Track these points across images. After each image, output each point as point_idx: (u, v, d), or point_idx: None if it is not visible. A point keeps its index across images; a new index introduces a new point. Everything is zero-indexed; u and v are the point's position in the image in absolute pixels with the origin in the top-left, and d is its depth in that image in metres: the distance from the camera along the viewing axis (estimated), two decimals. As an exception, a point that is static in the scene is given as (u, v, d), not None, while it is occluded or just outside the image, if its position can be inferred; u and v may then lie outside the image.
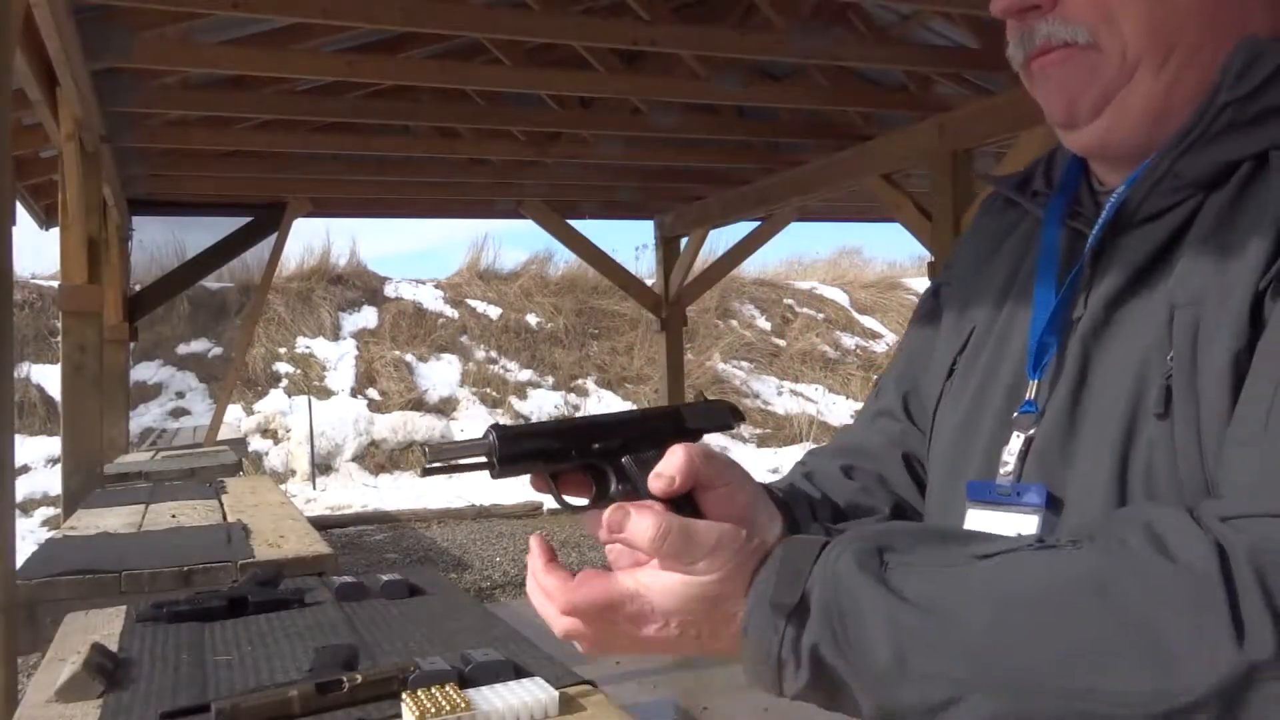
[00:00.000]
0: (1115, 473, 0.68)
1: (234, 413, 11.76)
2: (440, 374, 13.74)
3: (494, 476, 0.76)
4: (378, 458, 12.34)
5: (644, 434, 0.78)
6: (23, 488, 9.76)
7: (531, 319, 15.03)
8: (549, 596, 0.74)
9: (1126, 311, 0.72)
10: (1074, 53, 0.75)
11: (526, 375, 14.16)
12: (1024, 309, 0.81)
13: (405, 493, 11.36)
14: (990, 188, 0.95)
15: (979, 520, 0.77)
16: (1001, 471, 0.77)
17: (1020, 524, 0.74)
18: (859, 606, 0.61)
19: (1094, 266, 0.75)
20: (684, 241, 8.71)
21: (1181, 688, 0.52)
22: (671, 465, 0.71)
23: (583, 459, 0.77)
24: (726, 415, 0.83)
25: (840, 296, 16.94)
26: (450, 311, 14.91)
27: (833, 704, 0.65)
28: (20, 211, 6.78)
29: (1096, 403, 0.71)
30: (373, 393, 13.19)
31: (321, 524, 7.01)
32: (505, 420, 13.06)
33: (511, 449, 0.75)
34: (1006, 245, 0.88)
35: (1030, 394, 0.76)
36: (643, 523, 0.68)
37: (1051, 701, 0.56)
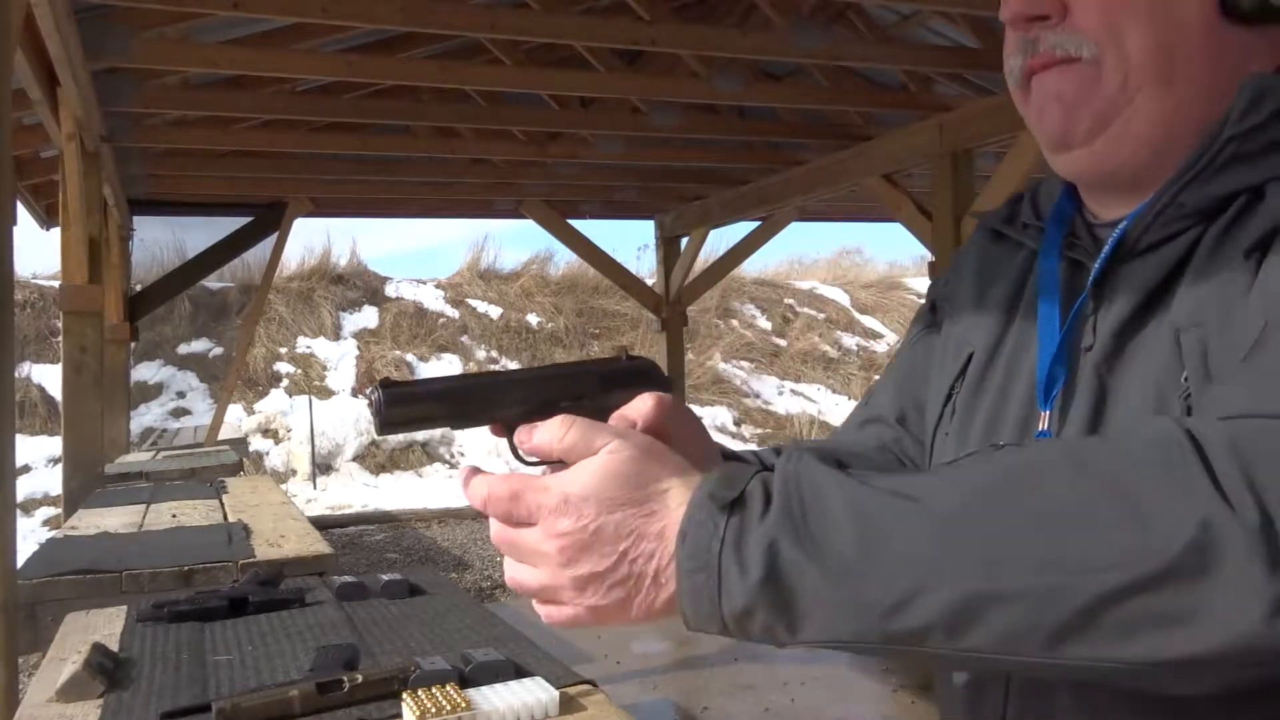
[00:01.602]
0: None
1: (235, 412, 11.76)
2: (441, 373, 13.74)
3: (379, 434, 0.72)
4: (378, 458, 12.34)
5: (553, 396, 0.72)
6: (23, 487, 9.77)
7: (532, 319, 15.03)
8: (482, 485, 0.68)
9: (1137, 340, 0.72)
10: (1072, 71, 0.75)
11: (527, 375, 14.16)
12: (1027, 340, 0.81)
13: (406, 493, 11.36)
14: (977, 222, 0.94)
15: None
16: None
17: None
18: (821, 493, 0.58)
19: (1097, 297, 0.75)
20: (684, 241, 8.71)
21: (1156, 546, 0.51)
22: (635, 411, 0.69)
23: (486, 420, 0.73)
24: (647, 378, 0.75)
25: (841, 296, 16.94)
26: (451, 311, 14.91)
27: (774, 623, 0.58)
28: (21, 211, 6.78)
29: (1117, 429, 0.71)
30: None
31: (322, 524, 7.01)
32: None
33: (397, 412, 0.71)
34: (1001, 274, 0.87)
35: (1043, 424, 0.76)
36: (549, 425, 0.65)
37: (1022, 575, 0.53)
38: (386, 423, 0.71)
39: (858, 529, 0.56)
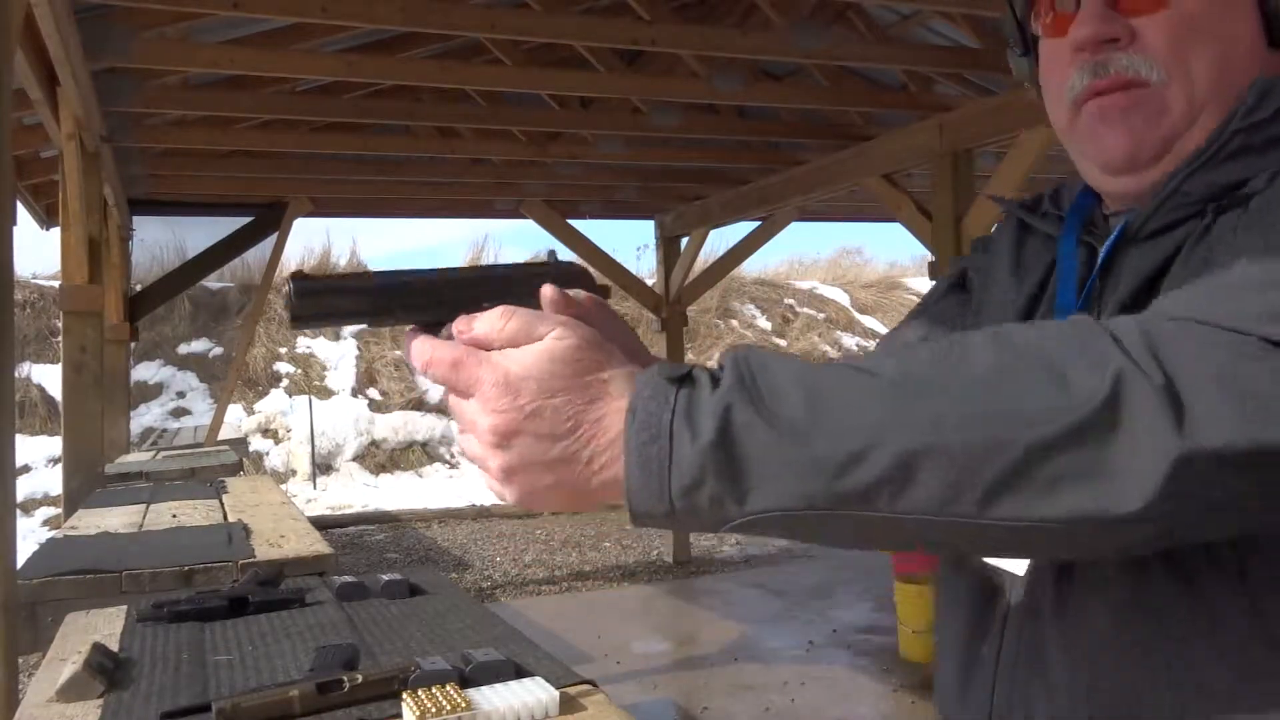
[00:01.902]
0: None
1: (235, 412, 11.77)
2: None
3: (292, 328, 0.71)
4: (378, 458, 12.35)
5: (477, 297, 0.69)
6: (24, 487, 9.77)
7: (532, 319, 15.03)
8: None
9: None
10: (1142, 95, 0.77)
11: (527, 375, 14.16)
12: (1048, 315, 0.84)
13: (406, 493, 11.37)
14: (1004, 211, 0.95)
15: None
16: None
17: None
18: (769, 368, 0.59)
19: (1104, 280, 0.78)
20: (684, 241, 8.71)
21: (1077, 402, 0.55)
22: (549, 299, 0.67)
23: (405, 319, 0.70)
24: (577, 283, 0.71)
25: (841, 296, 16.95)
26: (451, 311, 14.91)
27: (722, 492, 0.58)
28: (21, 211, 6.78)
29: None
30: (373, 393, 13.20)
31: (322, 524, 7.01)
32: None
33: (310, 306, 0.69)
34: (1032, 265, 0.89)
35: None
36: (489, 314, 0.65)
37: (962, 430, 0.56)
38: (297, 316, 0.69)
39: (807, 395, 0.58)
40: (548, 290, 0.67)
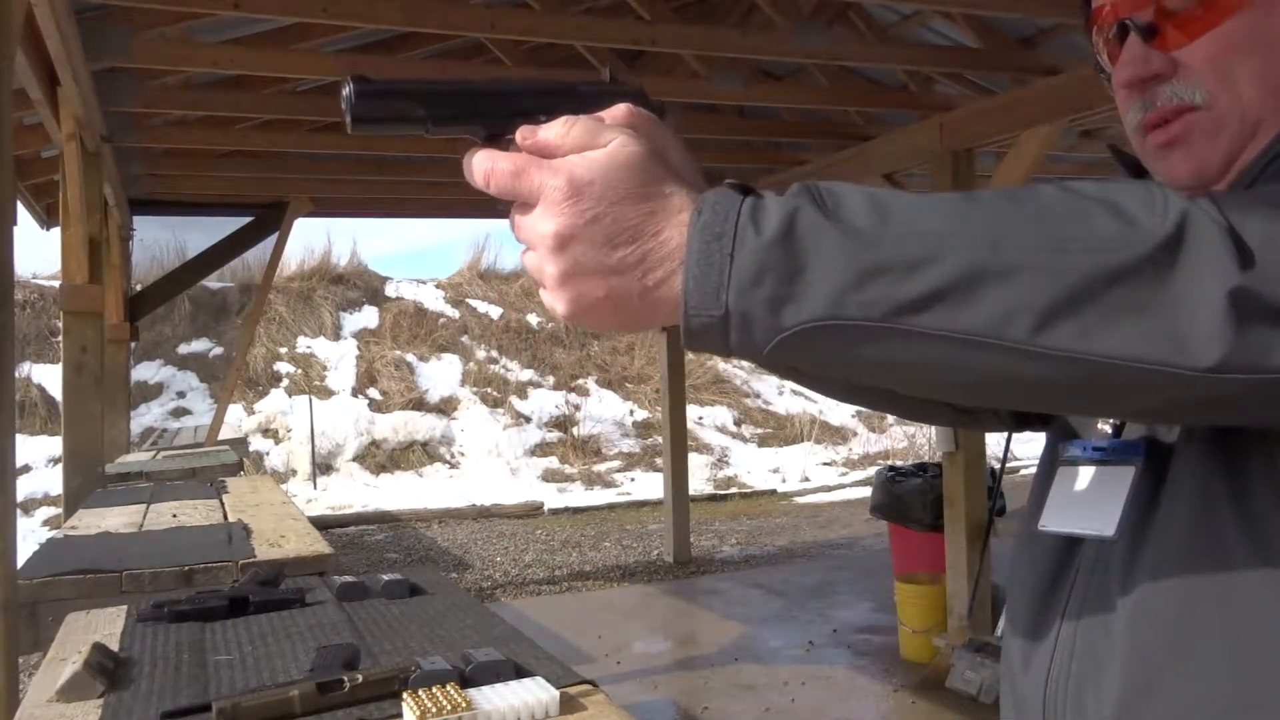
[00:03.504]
0: None
1: (235, 412, 11.76)
2: (441, 374, 13.75)
3: (351, 130, 0.68)
4: (378, 457, 12.35)
5: (533, 109, 0.67)
6: (24, 487, 9.77)
7: (532, 319, 15.03)
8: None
9: None
10: (1194, 119, 0.79)
11: (527, 375, 14.17)
12: None
13: (406, 493, 11.37)
14: None
15: (1073, 476, 0.80)
16: (1099, 428, 0.82)
17: (1114, 478, 0.76)
18: (837, 186, 0.60)
19: None
20: (685, 241, 8.72)
21: (1142, 236, 0.56)
22: (611, 114, 0.66)
23: (461, 126, 0.69)
24: (633, 99, 0.70)
25: (841, 296, 16.94)
26: (451, 311, 14.91)
27: (780, 290, 0.57)
28: (21, 211, 6.78)
29: None
30: (374, 392, 13.20)
31: (322, 524, 7.02)
32: (505, 416, 13.08)
33: (370, 108, 0.67)
34: None
35: None
36: (554, 122, 0.64)
37: (1025, 251, 0.56)
38: (357, 118, 0.67)
39: (874, 206, 0.58)
40: (619, 108, 0.66)
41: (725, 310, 0.58)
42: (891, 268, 0.56)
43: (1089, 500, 0.77)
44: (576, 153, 0.62)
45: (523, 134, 0.65)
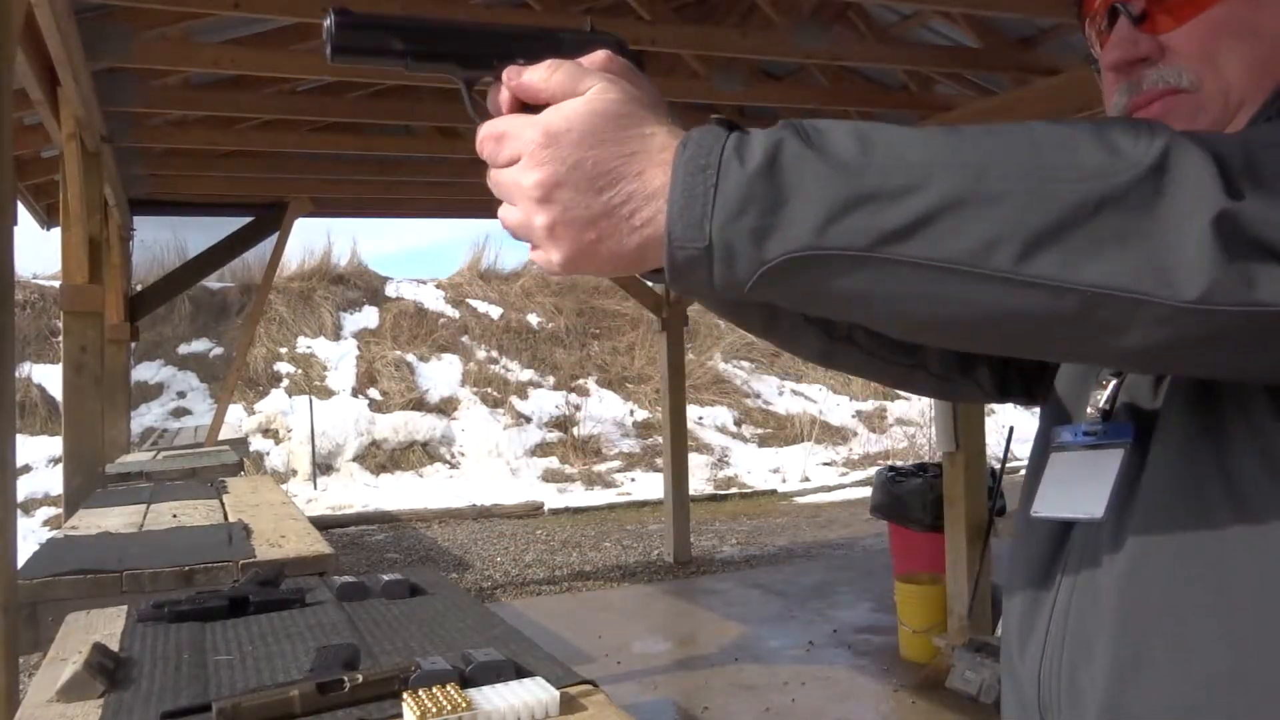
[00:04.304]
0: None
1: (235, 413, 11.76)
2: (441, 374, 13.75)
3: (331, 60, 0.68)
4: (379, 458, 12.35)
5: (512, 52, 0.69)
6: (24, 487, 9.77)
7: (532, 319, 15.04)
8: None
9: None
10: (1175, 101, 0.79)
11: (528, 375, 14.17)
12: None
13: (406, 493, 11.37)
14: None
15: (1064, 462, 0.81)
16: (1089, 413, 0.81)
17: (1104, 461, 0.76)
18: (821, 122, 0.60)
19: None
20: (685, 241, 8.71)
21: (1128, 163, 0.56)
22: (590, 60, 0.67)
23: (439, 64, 0.70)
24: (613, 48, 0.71)
25: (841, 296, 16.93)
26: (451, 311, 14.91)
27: (763, 221, 0.57)
28: (21, 211, 6.78)
29: None
30: (374, 393, 13.20)
31: (322, 524, 7.02)
32: (505, 416, 13.08)
33: (351, 38, 0.68)
34: None
35: None
36: (538, 66, 0.65)
37: (1009, 179, 0.56)
38: (337, 48, 0.68)
39: (859, 139, 0.58)
40: (597, 54, 0.67)
41: (709, 241, 0.58)
42: (875, 196, 0.56)
43: (1080, 483, 0.78)
44: (559, 96, 0.63)
45: (509, 74, 0.67)
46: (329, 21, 0.67)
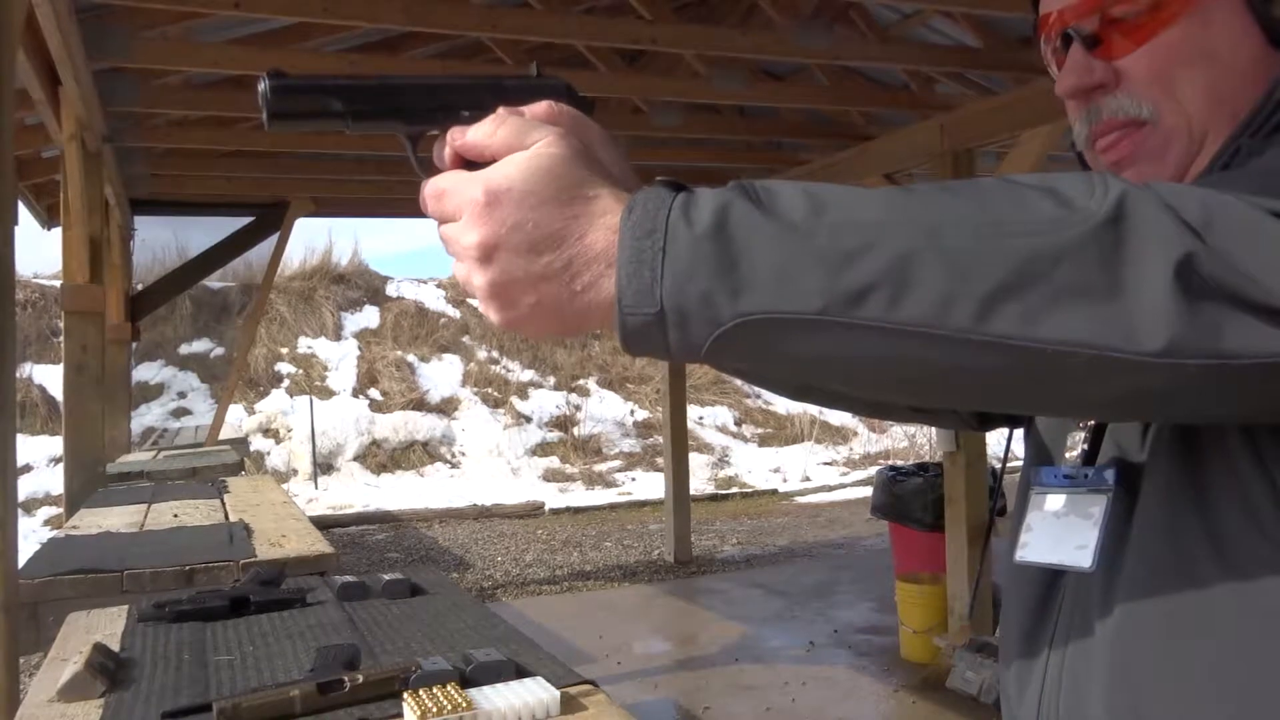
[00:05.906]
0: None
1: (236, 412, 11.77)
2: (442, 374, 13.75)
3: (269, 128, 0.68)
4: (379, 457, 12.35)
5: (456, 103, 0.68)
6: (25, 487, 9.77)
7: (533, 319, 15.02)
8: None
9: None
10: (1140, 137, 0.78)
11: (528, 375, 14.17)
12: None
13: (407, 492, 11.37)
14: None
15: (1047, 505, 0.79)
16: (1069, 456, 0.81)
17: (1088, 508, 0.75)
18: (771, 183, 0.58)
19: None
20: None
21: (1080, 217, 0.54)
22: (531, 111, 0.65)
23: (383, 123, 0.69)
24: (559, 97, 0.68)
25: (842, 296, 16.94)
26: (452, 311, 14.91)
27: (714, 286, 0.55)
28: (22, 211, 6.78)
29: None
30: (374, 393, 13.20)
31: (323, 524, 7.02)
32: (506, 416, 13.08)
33: (288, 104, 0.67)
34: None
35: None
36: (484, 121, 0.63)
37: (961, 237, 0.54)
38: (273, 115, 0.66)
39: (809, 200, 0.57)
40: (540, 105, 0.65)
41: (660, 307, 0.56)
42: (826, 258, 0.54)
43: (1065, 530, 0.76)
44: (504, 152, 0.62)
45: (452, 135, 0.65)
46: (263, 86, 0.66)
